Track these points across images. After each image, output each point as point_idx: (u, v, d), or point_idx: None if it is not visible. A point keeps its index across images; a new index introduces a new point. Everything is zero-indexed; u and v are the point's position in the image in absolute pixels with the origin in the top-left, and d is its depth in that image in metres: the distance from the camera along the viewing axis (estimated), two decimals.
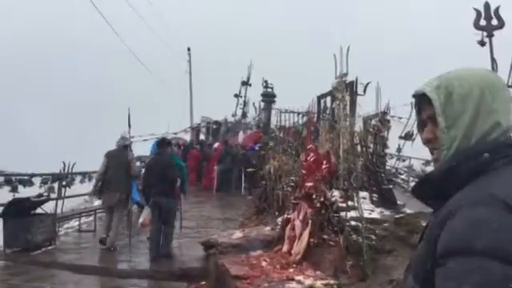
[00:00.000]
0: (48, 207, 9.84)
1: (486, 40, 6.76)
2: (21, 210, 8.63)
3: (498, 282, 0.90)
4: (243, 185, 16.67)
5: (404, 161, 16.07)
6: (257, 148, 16.70)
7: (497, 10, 6.87)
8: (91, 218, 12.02)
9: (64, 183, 10.36)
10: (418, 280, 1.10)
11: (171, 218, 8.17)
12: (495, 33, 6.76)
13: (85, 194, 13.17)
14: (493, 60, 6.60)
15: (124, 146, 9.00)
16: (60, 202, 10.34)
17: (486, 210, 0.97)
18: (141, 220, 8.22)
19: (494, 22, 6.82)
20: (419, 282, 1.09)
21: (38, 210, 9.22)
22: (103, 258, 8.36)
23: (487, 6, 6.85)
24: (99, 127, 33.53)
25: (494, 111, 1.12)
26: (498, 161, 1.08)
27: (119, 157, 8.73)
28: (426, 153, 1.37)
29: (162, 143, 8.38)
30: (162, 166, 7.91)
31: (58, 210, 10.22)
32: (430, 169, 16.46)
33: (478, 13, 6.86)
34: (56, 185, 10.15)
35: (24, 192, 9.19)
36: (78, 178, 11.49)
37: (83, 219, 11.84)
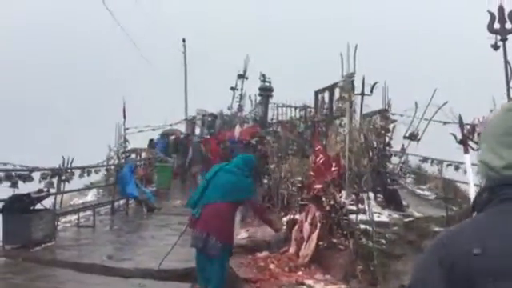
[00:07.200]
0: (46, 202, 9.69)
1: (500, 44, 6.67)
2: (21, 206, 8.50)
3: None
4: None
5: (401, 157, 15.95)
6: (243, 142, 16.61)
7: (511, 13, 6.78)
8: (89, 212, 11.94)
9: (63, 178, 10.18)
10: None
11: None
12: (509, 36, 6.68)
13: (80, 190, 13.08)
14: (506, 63, 6.51)
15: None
16: (59, 198, 10.19)
17: None
18: None
19: (509, 25, 6.72)
20: None
21: (38, 206, 9.07)
22: (105, 256, 8.25)
23: (501, 9, 6.75)
24: (93, 119, 33.12)
25: None
26: None
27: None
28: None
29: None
30: None
31: (57, 206, 10.08)
32: (426, 165, 16.25)
33: (492, 16, 6.76)
34: (55, 180, 9.96)
35: (24, 187, 9.01)
36: (77, 173, 11.29)
37: (81, 213, 11.71)
